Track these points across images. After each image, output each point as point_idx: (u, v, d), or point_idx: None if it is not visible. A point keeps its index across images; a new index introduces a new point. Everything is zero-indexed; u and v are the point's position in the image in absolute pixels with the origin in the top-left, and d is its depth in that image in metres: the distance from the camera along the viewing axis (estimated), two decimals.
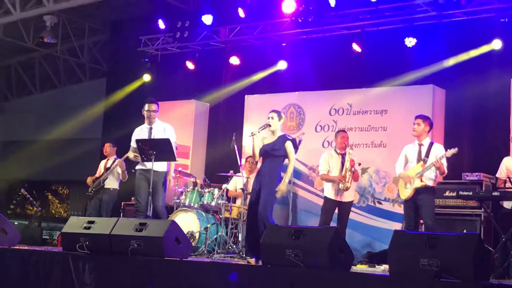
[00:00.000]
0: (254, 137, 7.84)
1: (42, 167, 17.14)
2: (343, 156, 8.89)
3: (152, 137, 8.53)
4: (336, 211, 8.89)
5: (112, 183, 10.56)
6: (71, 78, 17.86)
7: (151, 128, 8.64)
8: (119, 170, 10.44)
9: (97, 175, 10.66)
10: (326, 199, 8.96)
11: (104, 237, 6.96)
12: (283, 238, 6.16)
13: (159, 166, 8.44)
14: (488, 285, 5.24)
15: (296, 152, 7.97)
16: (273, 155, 7.74)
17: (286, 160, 7.90)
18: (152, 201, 8.38)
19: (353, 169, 8.79)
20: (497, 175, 8.39)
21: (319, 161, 9.07)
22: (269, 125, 7.86)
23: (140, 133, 8.71)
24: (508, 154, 8.44)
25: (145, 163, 8.38)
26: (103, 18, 15.04)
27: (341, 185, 8.75)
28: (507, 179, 7.58)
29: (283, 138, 7.83)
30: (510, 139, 8.34)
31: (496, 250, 7.42)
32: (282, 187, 7.68)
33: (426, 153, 7.96)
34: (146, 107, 8.67)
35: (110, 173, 10.47)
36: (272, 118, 7.88)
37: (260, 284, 6.00)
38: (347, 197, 8.87)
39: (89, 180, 10.62)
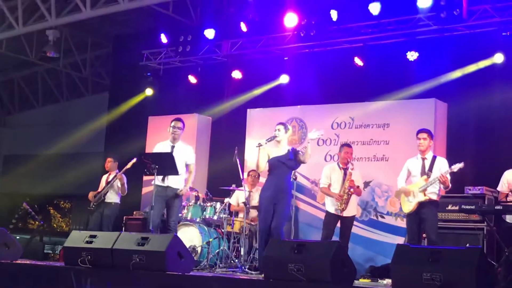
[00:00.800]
0: (260, 148, 7.93)
1: (44, 181, 17.11)
2: (345, 171, 8.85)
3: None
4: (339, 225, 8.87)
5: (113, 197, 10.53)
6: (74, 93, 17.87)
7: (173, 146, 8.65)
8: (118, 184, 10.43)
9: (99, 189, 10.64)
10: (327, 213, 8.94)
11: (106, 251, 6.96)
12: (286, 252, 6.15)
13: (176, 183, 8.50)
14: None
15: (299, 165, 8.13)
16: (286, 165, 7.91)
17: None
18: (166, 215, 8.55)
19: (351, 189, 8.72)
20: (498, 189, 8.37)
21: (322, 173, 9.08)
22: (276, 137, 7.99)
23: (162, 148, 8.69)
24: (510, 168, 8.42)
25: (164, 180, 8.41)
26: (106, 33, 15.08)
27: (337, 204, 8.73)
28: (510, 192, 7.56)
29: (295, 151, 8.08)
30: None
31: (499, 264, 7.38)
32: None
33: (429, 167, 7.95)
34: (172, 123, 8.71)
35: (111, 187, 10.44)
36: (279, 130, 8.09)
37: None
38: (349, 211, 8.83)
39: (90, 195, 10.59)
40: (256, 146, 8.02)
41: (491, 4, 9.58)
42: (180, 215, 9.86)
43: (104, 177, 10.78)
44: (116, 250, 6.94)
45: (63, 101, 18.05)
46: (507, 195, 8.01)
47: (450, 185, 7.83)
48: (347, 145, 9.21)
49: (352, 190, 8.72)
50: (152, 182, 8.36)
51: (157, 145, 8.87)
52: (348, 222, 8.86)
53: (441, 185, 7.80)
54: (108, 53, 16.02)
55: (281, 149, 8.11)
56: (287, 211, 7.99)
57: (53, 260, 12.68)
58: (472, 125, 10.00)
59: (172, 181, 8.46)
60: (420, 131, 8.15)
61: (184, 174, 8.68)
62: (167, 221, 8.56)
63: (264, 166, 8.13)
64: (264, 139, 8.08)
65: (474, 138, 9.94)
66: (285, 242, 6.59)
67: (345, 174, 8.81)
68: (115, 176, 10.45)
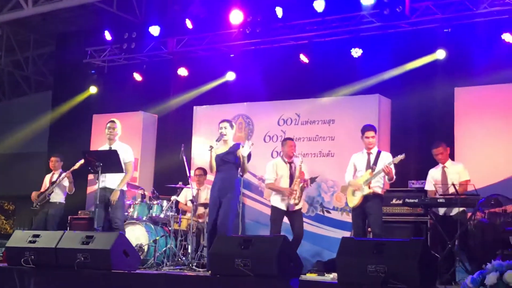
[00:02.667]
0: (212, 150, 7.88)
1: None
2: (290, 164, 8.83)
3: None
4: (286, 220, 8.84)
5: (58, 197, 10.36)
6: (16, 91, 17.54)
7: (110, 148, 8.60)
8: (65, 183, 10.26)
9: (42, 189, 10.45)
10: (273, 208, 8.80)
11: (50, 251, 6.88)
12: (232, 248, 6.16)
13: (113, 183, 8.43)
14: None
15: (249, 160, 8.04)
16: (227, 161, 7.84)
17: None
18: (110, 216, 8.43)
19: (303, 183, 8.68)
20: (426, 188, 8.50)
21: (266, 169, 8.99)
22: (224, 135, 7.94)
23: None
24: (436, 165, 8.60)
25: (102, 181, 8.31)
26: (48, 30, 14.80)
27: (292, 200, 8.62)
28: (452, 185, 7.71)
29: (236, 145, 7.96)
30: (433, 152, 8.48)
31: (442, 256, 7.52)
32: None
33: (374, 161, 8.07)
34: (107, 125, 8.71)
35: (57, 186, 10.28)
36: (225, 128, 8.01)
37: None
38: (296, 206, 8.80)
39: (34, 195, 10.38)
40: (208, 150, 7.96)
41: (433, 1, 9.74)
42: (126, 213, 9.77)
43: (47, 177, 10.59)
44: (60, 249, 6.86)
45: (5, 100, 17.70)
46: (435, 193, 8.18)
47: (394, 177, 7.96)
48: (289, 138, 9.14)
49: (305, 184, 8.69)
50: (96, 186, 8.34)
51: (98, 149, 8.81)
52: (297, 215, 8.74)
53: (386, 176, 7.91)
54: (51, 51, 15.76)
55: (228, 146, 8.08)
56: (233, 207, 7.92)
57: None
58: (415, 120, 10.16)
59: (109, 182, 8.41)
60: (367, 129, 8.20)
61: (123, 174, 8.59)
62: (112, 221, 8.41)
63: (215, 166, 8.08)
64: (214, 141, 8.01)
65: (417, 133, 10.09)
66: (231, 238, 6.61)
67: (291, 168, 8.78)
68: (60, 174, 10.31)
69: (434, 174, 8.44)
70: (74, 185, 10.34)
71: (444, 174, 8.34)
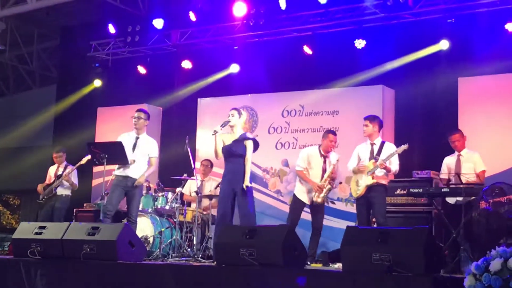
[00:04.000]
0: (216, 135, 7.88)
1: None
2: (325, 158, 8.55)
3: (136, 147, 8.42)
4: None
5: (64, 190, 10.42)
6: (21, 86, 17.56)
7: (137, 138, 8.52)
8: (71, 177, 10.35)
9: (47, 182, 10.50)
10: (295, 198, 8.56)
11: (56, 242, 6.91)
12: (237, 238, 6.19)
13: (135, 173, 8.37)
14: (438, 278, 5.33)
15: (255, 151, 8.01)
16: (234, 154, 7.83)
17: None
18: (127, 208, 8.41)
19: (333, 184, 8.45)
20: (441, 176, 8.54)
21: (299, 155, 8.69)
22: (229, 121, 7.93)
23: (126, 138, 8.51)
24: (451, 153, 8.60)
25: (124, 169, 8.31)
26: (52, 24, 14.82)
27: (316, 197, 8.39)
28: (456, 175, 7.72)
29: (243, 137, 7.92)
30: (450, 139, 8.49)
31: (446, 245, 7.53)
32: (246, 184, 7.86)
33: (378, 152, 8.09)
34: (136, 114, 8.59)
35: (62, 180, 10.32)
36: (233, 115, 7.99)
37: (215, 285, 6.00)
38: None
39: (39, 187, 10.45)
40: (212, 134, 7.95)
41: None
42: None
43: (52, 169, 10.65)
44: (66, 241, 6.89)
45: (10, 95, 17.73)
46: (448, 181, 8.19)
47: (393, 169, 7.98)
48: (332, 132, 8.73)
49: (334, 186, 8.46)
50: (113, 173, 8.34)
51: (122, 135, 8.65)
52: (319, 208, 8.52)
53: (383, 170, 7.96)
54: (56, 45, 15.77)
55: (235, 135, 8.04)
56: (250, 195, 7.81)
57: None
58: (419, 111, 10.19)
59: (131, 171, 8.34)
60: (364, 118, 8.31)
61: (146, 166, 8.54)
62: (129, 214, 8.38)
63: (221, 153, 8.05)
64: (219, 126, 8.00)
65: (421, 123, 10.12)
66: (236, 228, 6.63)
67: (324, 163, 8.51)
68: (65, 168, 10.37)
69: (448, 161, 8.47)
70: (78, 178, 10.40)
71: (458, 161, 8.35)
